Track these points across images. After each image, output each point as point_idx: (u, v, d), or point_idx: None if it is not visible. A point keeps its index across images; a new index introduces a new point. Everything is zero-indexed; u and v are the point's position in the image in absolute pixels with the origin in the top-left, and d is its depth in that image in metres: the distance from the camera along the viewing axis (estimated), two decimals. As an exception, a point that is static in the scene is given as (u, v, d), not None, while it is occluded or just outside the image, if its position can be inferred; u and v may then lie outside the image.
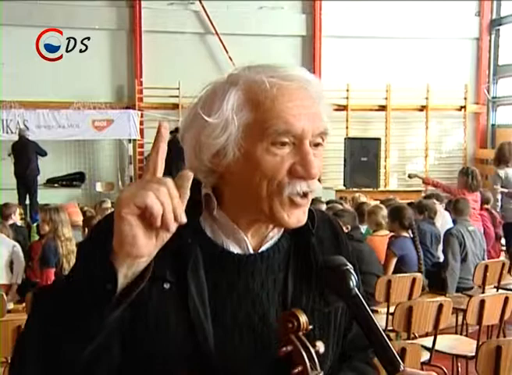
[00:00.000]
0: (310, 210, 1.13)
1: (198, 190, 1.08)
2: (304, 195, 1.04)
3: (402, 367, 0.93)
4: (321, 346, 1.00)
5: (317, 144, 1.05)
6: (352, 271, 0.99)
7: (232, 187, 1.07)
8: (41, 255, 5.04)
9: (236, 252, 1.09)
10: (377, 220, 5.28)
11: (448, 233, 5.26)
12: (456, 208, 5.55)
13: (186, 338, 1.02)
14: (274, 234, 1.12)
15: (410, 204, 6.04)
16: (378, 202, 7.15)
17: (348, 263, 1.01)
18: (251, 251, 1.10)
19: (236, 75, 1.07)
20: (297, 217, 1.05)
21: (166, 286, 1.03)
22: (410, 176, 8.75)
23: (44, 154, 10.44)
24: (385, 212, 5.31)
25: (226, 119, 1.02)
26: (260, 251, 1.11)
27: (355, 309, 0.98)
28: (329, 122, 1.08)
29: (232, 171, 1.05)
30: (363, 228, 5.72)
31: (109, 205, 7.36)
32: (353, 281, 0.98)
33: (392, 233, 5.23)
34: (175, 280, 1.04)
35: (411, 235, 5.06)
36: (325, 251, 1.14)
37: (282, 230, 1.14)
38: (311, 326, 1.00)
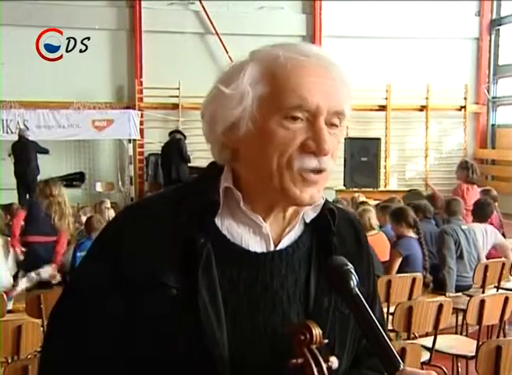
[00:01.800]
0: (331, 209, 1.12)
1: (214, 188, 1.06)
2: (316, 172, 1.02)
3: (402, 367, 0.93)
4: (334, 361, 0.97)
5: (333, 125, 1.04)
6: (353, 271, 0.97)
7: (245, 163, 1.06)
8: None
9: (254, 251, 1.07)
10: (364, 223, 5.30)
11: (443, 231, 5.32)
12: (449, 209, 5.65)
13: (197, 346, 1.00)
14: (292, 227, 1.10)
15: (407, 205, 6.06)
16: (377, 202, 7.16)
17: (349, 263, 0.99)
18: (272, 247, 1.08)
19: (256, 51, 1.08)
20: (310, 194, 1.03)
21: (172, 292, 1.01)
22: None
23: (45, 151, 10.47)
24: (372, 214, 5.37)
25: (242, 92, 1.02)
26: (279, 248, 1.08)
27: (355, 309, 0.96)
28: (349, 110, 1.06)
29: (245, 145, 1.04)
30: None
31: (108, 205, 7.37)
32: (354, 281, 0.96)
33: (393, 234, 5.27)
34: (183, 285, 1.01)
35: (416, 235, 5.09)
36: (346, 251, 1.11)
37: (303, 226, 1.12)
38: (326, 341, 0.97)
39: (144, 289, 1.01)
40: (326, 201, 1.12)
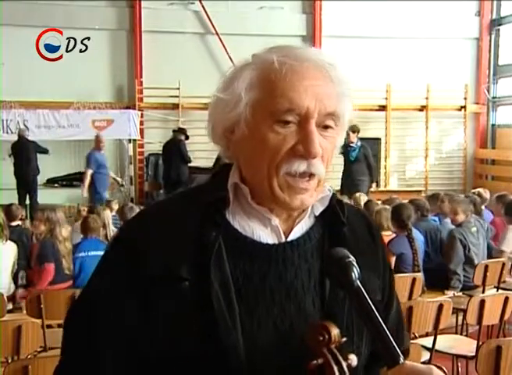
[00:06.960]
0: (340, 201, 1.14)
1: (223, 185, 1.09)
2: (304, 176, 1.03)
3: (402, 360, 0.93)
4: (353, 359, 0.97)
5: (326, 127, 1.04)
6: (354, 263, 0.98)
7: (243, 164, 1.09)
8: (38, 252, 5.05)
9: (266, 242, 1.08)
10: (380, 222, 5.36)
11: (451, 234, 5.35)
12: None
13: (209, 338, 1.00)
14: (301, 219, 1.11)
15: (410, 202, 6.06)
16: (379, 202, 7.16)
17: (351, 255, 1.00)
18: (283, 238, 1.09)
19: (256, 55, 1.09)
20: (300, 199, 1.05)
21: (185, 285, 1.02)
22: None
23: (45, 151, 10.46)
24: (389, 214, 5.40)
25: (238, 97, 1.04)
26: (290, 239, 1.10)
27: (356, 301, 0.97)
28: (350, 112, 1.08)
29: (241, 148, 1.07)
30: None
31: (116, 205, 7.38)
32: (356, 273, 0.97)
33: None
34: (195, 278, 1.02)
35: (407, 233, 5.12)
36: (358, 242, 1.13)
37: (313, 219, 1.13)
38: (344, 339, 0.97)
39: (159, 283, 1.03)
40: (334, 193, 1.13)
